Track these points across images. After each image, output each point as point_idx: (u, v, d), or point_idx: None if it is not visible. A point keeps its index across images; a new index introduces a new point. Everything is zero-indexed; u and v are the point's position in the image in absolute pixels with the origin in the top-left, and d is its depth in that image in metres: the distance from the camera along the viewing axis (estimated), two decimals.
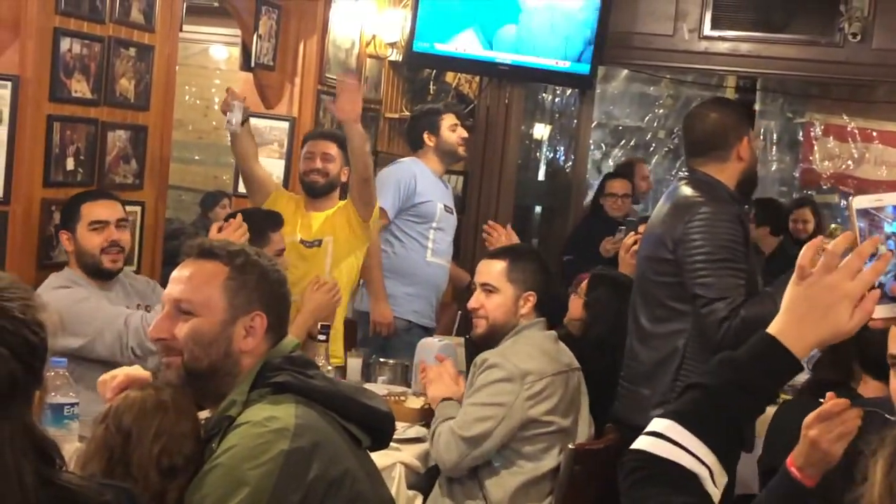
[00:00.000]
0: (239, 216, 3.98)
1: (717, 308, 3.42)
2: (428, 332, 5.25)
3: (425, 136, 5.48)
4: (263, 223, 4.17)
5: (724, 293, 3.42)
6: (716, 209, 3.53)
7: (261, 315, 2.29)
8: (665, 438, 1.57)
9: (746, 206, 3.83)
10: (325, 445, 2.19)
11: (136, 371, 2.39)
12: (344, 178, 4.92)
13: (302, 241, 4.79)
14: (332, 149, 4.85)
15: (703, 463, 1.55)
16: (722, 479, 1.57)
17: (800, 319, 1.60)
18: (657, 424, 1.61)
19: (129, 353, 3.62)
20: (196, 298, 2.28)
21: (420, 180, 5.36)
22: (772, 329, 1.63)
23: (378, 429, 2.37)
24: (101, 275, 3.86)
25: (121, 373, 2.37)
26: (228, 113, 4.61)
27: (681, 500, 1.52)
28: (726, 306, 3.40)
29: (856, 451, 2.01)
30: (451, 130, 5.44)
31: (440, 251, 5.45)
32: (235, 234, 3.84)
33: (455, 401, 3.66)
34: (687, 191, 3.67)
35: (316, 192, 4.85)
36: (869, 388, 3.23)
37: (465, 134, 5.51)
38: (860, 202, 1.61)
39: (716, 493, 1.56)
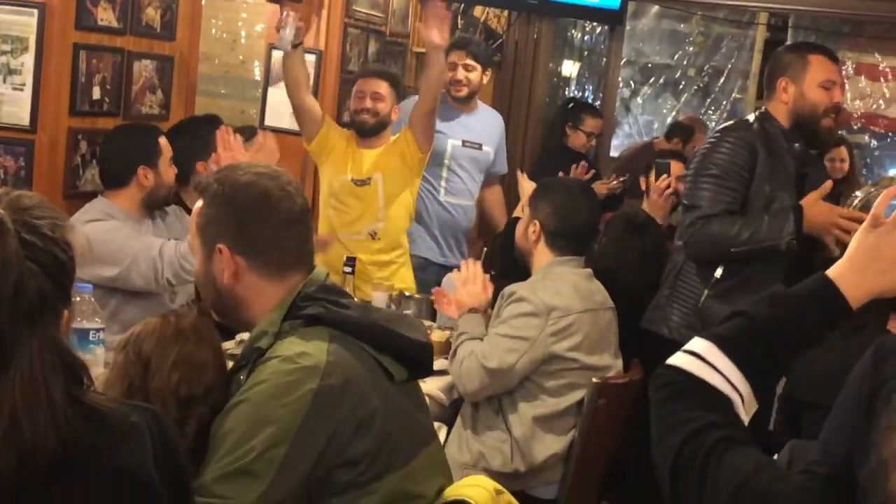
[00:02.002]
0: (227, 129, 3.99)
1: (687, 215, 3.72)
2: (447, 269, 5.21)
3: None
4: (204, 130, 4.17)
5: (698, 202, 3.68)
6: (732, 136, 3.74)
7: (221, 247, 2.24)
8: (702, 359, 1.56)
9: (797, 145, 3.86)
10: (356, 384, 2.15)
11: None
12: (395, 117, 4.88)
13: (353, 180, 4.78)
14: (383, 87, 4.80)
15: (736, 389, 1.54)
16: (752, 407, 1.56)
17: (863, 268, 1.60)
18: (696, 345, 1.59)
19: (164, 283, 3.65)
20: (190, 241, 2.39)
21: None
22: (831, 272, 1.62)
23: (414, 358, 2.32)
24: (165, 204, 3.97)
25: None
26: (281, 30, 4.52)
27: (711, 417, 1.50)
28: (697, 213, 3.66)
29: (882, 380, 1.99)
30: (451, 70, 5.31)
31: (457, 190, 5.36)
32: (267, 146, 3.91)
33: (479, 314, 3.66)
34: (730, 122, 3.94)
35: (366, 132, 4.82)
36: None
37: (459, 76, 5.31)
38: None
39: (745, 419, 1.55)
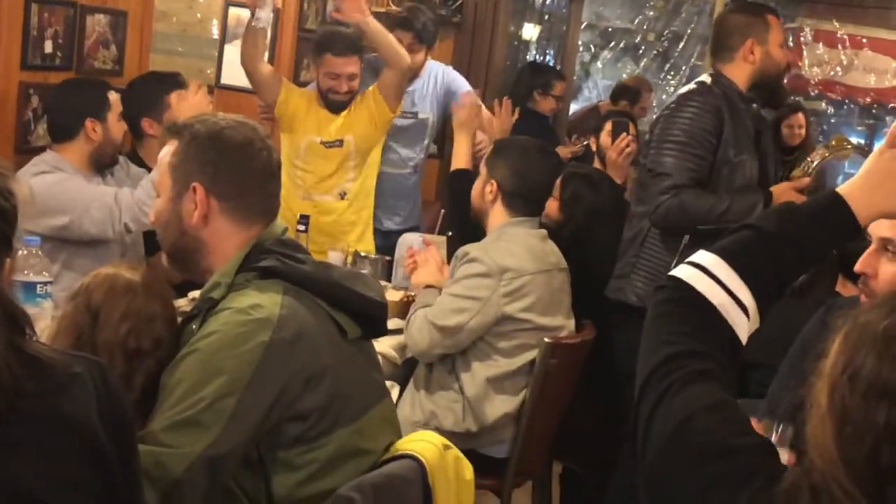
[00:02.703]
0: (194, 83, 3.93)
1: (657, 183, 3.63)
2: (384, 233, 5.16)
3: None
4: (156, 89, 4.10)
5: (669, 170, 3.61)
6: (697, 100, 3.68)
7: (196, 185, 2.23)
8: (707, 273, 1.56)
9: (754, 106, 3.87)
10: (308, 338, 2.15)
11: None
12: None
13: (323, 143, 4.74)
14: (355, 65, 4.70)
15: (742, 304, 1.54)
16: (755, 324, 1.56)
17: (875, 187, 1.60)
18: (702, 257, 1.59)
19: (122, 229, 3.62)
20: (157, 180, 2.33)
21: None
22: (842, 189, 1.61)
23: (369, 316, 2.32)
24: (113, 163, 3.87)
25: None
26: (258, 10, 4.47)
27: (695, 346, 1.49)
28: (666, 183, 3.59)
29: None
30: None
31: (390, 161, 5.20)
32: (197, 97, 3.81)
33: (437, 289, 3.68)
34: (689, 86, 3.85)
35: (339, 108, 4.77)
36: (847, 290, 3.27)
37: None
38: None
39: (744, 338, 1.55)
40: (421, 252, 3.90)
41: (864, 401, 1.20)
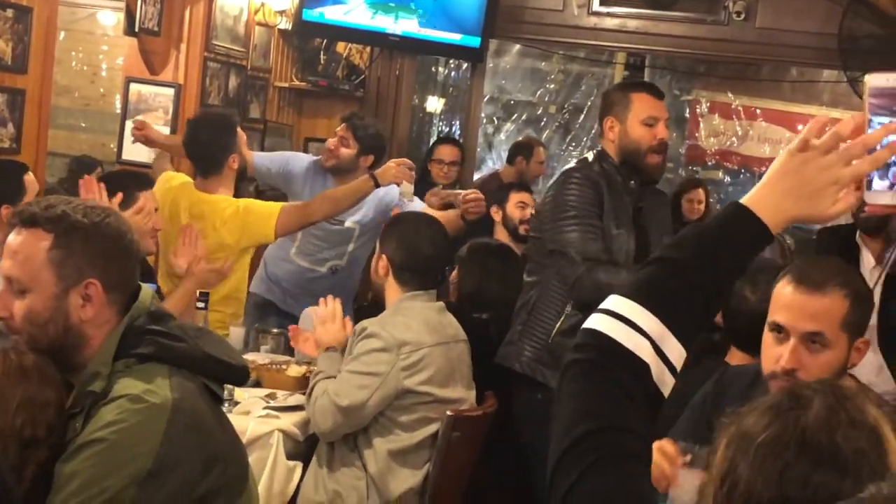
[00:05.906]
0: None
1: (568, 263, 3.66)
2: (286, 315, 5.06)
3: None
4: (129, 183, 4.09)
5: (568, 247, 3.66)
6: (576, 175, 3.77)
7: (94, 282, 2.16)
8: (630, 324, 1.48)
9: (633, 183, 3.87)
10: (202, 420, 2.14)
11: None
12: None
13: None
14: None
15: (666, 358, 1.47)
16: (681, 358, 1.49)
17: (784, 191, 1.50)
18: (619, 305, 1.51)
19: None
20: (24, 277, 2.15)
21: (302, 177, 5.17)
22: (745, 199, 1.53)
23: (235, 381, 2.40)
24: None
25: None
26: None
27: (613, 420, 1.43)
28: (577, 259, 3.63)
29: (719, 407, 2.06)
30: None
31: (308, 253, 5.17)
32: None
33: (338, 353, 3.67)
34: (571, 163, 3.94)
35: None
36: (735, 358, 3.29)
37: (331, 144, 5.12)
38: (876, 80, 1.47)
39: (667, 392, 1.48)
40: (325, 302, 3.85)
41: None
